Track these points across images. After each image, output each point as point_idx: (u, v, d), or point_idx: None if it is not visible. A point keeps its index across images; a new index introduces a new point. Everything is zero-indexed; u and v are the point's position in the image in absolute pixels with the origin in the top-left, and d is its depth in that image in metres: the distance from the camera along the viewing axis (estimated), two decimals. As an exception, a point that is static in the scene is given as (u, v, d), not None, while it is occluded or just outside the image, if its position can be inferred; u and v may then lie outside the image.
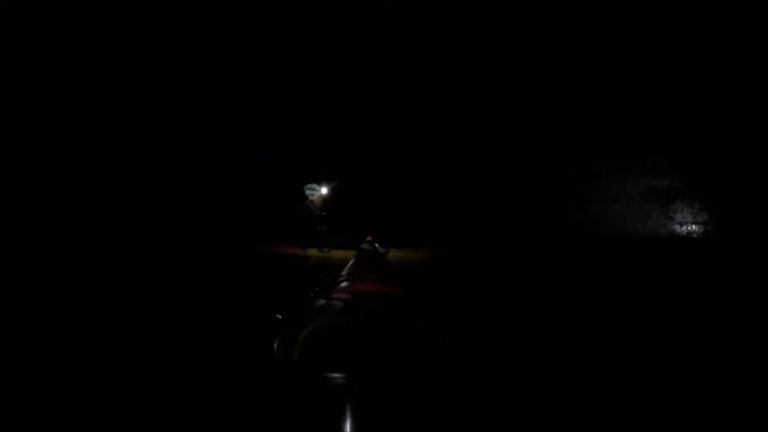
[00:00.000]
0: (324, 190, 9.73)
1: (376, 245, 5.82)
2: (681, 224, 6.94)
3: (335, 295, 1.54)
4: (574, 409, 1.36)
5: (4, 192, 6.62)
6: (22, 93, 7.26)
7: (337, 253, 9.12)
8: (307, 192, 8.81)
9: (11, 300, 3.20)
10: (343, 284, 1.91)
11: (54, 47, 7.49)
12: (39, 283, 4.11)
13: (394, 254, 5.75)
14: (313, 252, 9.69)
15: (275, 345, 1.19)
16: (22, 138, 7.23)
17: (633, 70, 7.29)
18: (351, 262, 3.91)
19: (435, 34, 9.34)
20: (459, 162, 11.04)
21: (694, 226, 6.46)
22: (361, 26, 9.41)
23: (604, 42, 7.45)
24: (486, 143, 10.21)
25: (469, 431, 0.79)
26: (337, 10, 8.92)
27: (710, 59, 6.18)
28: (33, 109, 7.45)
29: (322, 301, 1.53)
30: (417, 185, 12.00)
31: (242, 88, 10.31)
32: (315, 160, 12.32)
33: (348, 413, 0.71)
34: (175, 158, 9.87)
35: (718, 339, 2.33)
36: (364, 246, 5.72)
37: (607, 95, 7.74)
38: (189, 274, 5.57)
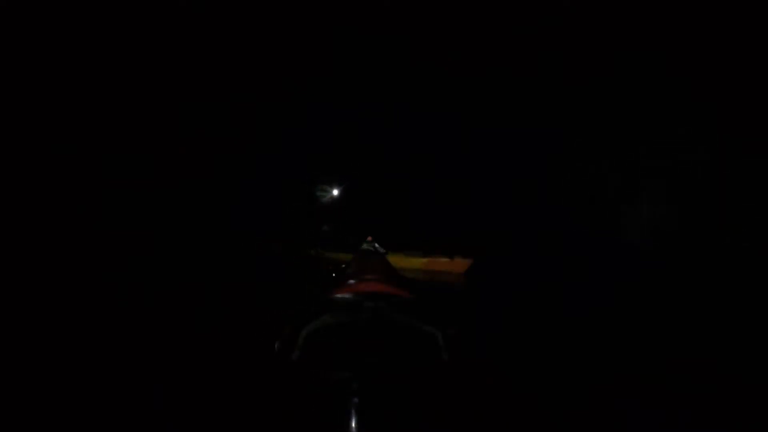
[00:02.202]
0: (335, 192, 9.75)
1: (376, 245, 5.80)
2: (684, 225, 6.95)
3: (336, 295, 1.54)
4: (574, 409, 1.36)
5: (4, 192, 6.63)
6: (22, 93, 7.27)
7: (329, 254, 9.19)
8: (319, 194, 8.87)
9: (12, 300, 3.20)
10: (344, 284, 1.91)
11: (54, 47, 7.50)
12: (39, 283, 4.11)
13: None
14: (308, 251, 9.77)
15: (275, 345, 1.19)
16: (22, 138, 7.24)
17: (633, 70, 7.30)
18: (351, 263, 3.91)
19: (435, 34, 9.36)
20: (459, 162, 11.06)
21: (697, 226, 6.47)
22: (361, 26, 9.44)
23: (604, 42, 7.46)
24: (486, 143, 10.23)
25: (469, 431, 0.79)
26: (337, 10, 8.94)
27: (712, 59, 6.19)
28: (33, 109, 7.46)
29: (322, 301, 1.53)
30: (417, 185, 12.03)
31: (242, 88, 10.33)
32: (315, 160, 12.34)
33: (348, 413, 0.71)
34: (175, 158, 9.88)
35: (718, 339, 2.33)
36: (364, 246, 5.71)
37: (607, 95, 7.76)
38: (189, 274, 5.58)
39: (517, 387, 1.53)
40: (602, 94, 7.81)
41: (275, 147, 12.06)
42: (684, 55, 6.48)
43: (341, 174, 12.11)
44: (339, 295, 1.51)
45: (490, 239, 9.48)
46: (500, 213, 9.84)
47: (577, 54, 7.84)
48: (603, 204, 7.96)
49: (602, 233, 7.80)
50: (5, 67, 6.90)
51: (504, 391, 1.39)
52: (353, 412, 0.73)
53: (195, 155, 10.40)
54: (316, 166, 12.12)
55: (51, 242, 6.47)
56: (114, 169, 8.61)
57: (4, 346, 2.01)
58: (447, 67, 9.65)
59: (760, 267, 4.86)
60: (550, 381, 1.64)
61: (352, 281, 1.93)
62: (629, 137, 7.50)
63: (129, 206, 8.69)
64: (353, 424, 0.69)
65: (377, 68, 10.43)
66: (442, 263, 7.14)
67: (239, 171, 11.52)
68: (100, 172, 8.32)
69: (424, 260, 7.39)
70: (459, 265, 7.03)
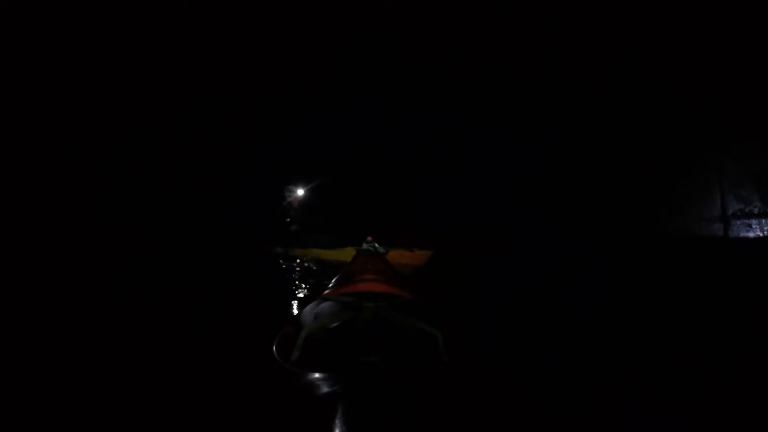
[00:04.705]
0: (300, 192, 10.02)
1: (376, 245, 5.81)
2: (686, 225, 6.93)
3: (335, 296, 1.53)
4: (574, 409, 1.36)
5: (4, 192, 6.63)
6: (22, 93, 7.27)
7: (301, 251, 9.29)
8: (286, 194, 9.12)
9: (12, 300, 3.20)
10: (344, 285, 1.90)
11: (54, 47, 7.50)
12: (39, 283, 4.11)
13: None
14: (280, 249, 9.90)
15: (275, 346, 1.19)
16: (23, 138, 7.24)
17: (633, 70, 7.30)
18: (350, 263, 3.91)
19: (435, 34, 9.36)
20: (459, 162, 11.06)
21: (701, 225, 6.44)
22: (361, 26, 9.44)
23: (604, 42, 7.46)
24: (486, 143, 10.23)
25: (469, 431, 0.79)
26: (337, 10, 8.94)
27: (711, 59, 6.19)
28: (33, 109, 7.46)
29: (322, 302, 1.53)
30: (417, 185, 12.02)
31: (242, 88, 10.34)
32: (315, 160, 12.37)
33: (348, 413, 0.71)
34: (175, 158, 9.89)
35: (718, 339, 2.33)
36: (364, 246, 5.71)
37: (606, 95, 7.76)
38: (189, 274, 5.58)
39: (517, 387, 1.53)
40: (602, 94, 7.80)
41: (275, 147, 12.06)
42: (684, 55, 6.47)
43: (341, 174, 12.13)
44: (338, 296, 1.51)
45: (490, 239, 9.48)
46: (500, 213, 9.84)
47: (577, 54, 7.83)
48: (603, 204, 7.95)
49: (602, 233, 7.80)
50: (5, 67, 6.89)
51: (504, 391, 1.39)
52: (353, 412, 0.72)
53: (195, 155, 10.40)
54: (315, 166, 12.15)
55: (51, 242, 6.46)
56: (114, 169, 8.60)
57: (4, 346, 2.01)
58: (447, 67, 9.64)
59: (760, 267, 4.86)
60: (550, 381, 1.63)
61: (351, 281, 1.93)
62: (629, 137, 7.50)
63: (129, 206, 8.68)
64: (353, 425, 0.69)
65: (377, 68, 10.42)
66: (401, 255, 7.02)
67: (239, 171, 11.53)
68: (100, 172, 8.32)
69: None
70: (419, 257, 6.99)
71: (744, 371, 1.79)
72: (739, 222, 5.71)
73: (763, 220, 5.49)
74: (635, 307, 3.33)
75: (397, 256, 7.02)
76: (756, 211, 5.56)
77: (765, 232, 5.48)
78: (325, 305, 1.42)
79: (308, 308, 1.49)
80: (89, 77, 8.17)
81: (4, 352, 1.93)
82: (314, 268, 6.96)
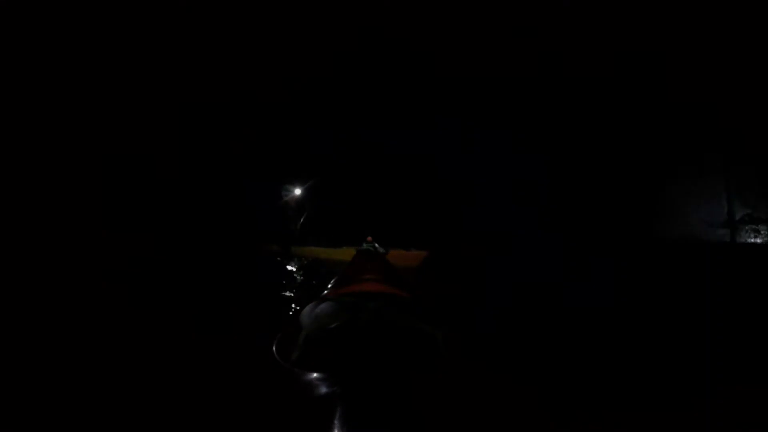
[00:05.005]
0: (297, 191, 10.07)
1: (376, 245, 5.81)
2: (690, 229, 6.90)
3: (336, 296, 1.53)
4: (574, 409, 1.36)
5: (4, 192, 6.63)
6: (22, 93, 7.27)
7: (300, 251, 9.39)
8: (282, 193, 9.22)
9: (12, 300, 3.20)
10: (344, 285, 1.90)
11: (54, 47, 7.50)
12: (40, 283, 4.11)
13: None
14: (279, 248, 9.98)
15: (274, 346, 1.19)
16: (23, 138, 7.25)
17: (633, 70, 7.30)
18: (350, 263, 3.91)
19: (435, 35, 9.36)
20: (459, 162, 11.06)
21: (707, 230, 6.40)
22: (361, 27, 9.44)
23: (606, 43, 7.46)
24: (486, 144, 10.23)
25: (469, 431, 0.79)
26: (337, 11, 8.95)
27: (711, 60, 6.19)
28: (33, 110, 7.46)
29: (322, 302, 1.53)
30: (417, 185, 12.03)
31: (242, 88, 10.35)
32: (315, 160, 12.36)
33: (348, 413, 0.71)
34: (176, 158, 9.89)
35: (718, 339, 2.33)
36: (365, 246, 5.72)
37: (610, 96, 7.75)
38: (189, 274, 5.59)
39: (517, 387, 1.53)
40: (602, 94, 7.80)
41: (275, 147, 12.06)
42: (685, 55, 6.47)
43: (341, 174, 12.13)
44: (339, 296, 1.51)
45: (490, 239, 9.48)
46: (500, 213, 9.84)
47: (577, 54, 7.82)
48: (604, 204, 7.95)
49: (602, 233, 7.79)
50: (5, 67, 6.89)
51: (504, 391, 1.39)
52: (353, 412, 0.72)
53: (195, 155, 10.40)
54: (315, 166, 12.16)
55: (51, 242, 6.46)
56: (114, 169, 8.60)
57: (4, 347, 2.01)
58: (447, 67, 9.64)
59: (761, 267, 4.86)
60: (550, 381, 1.64)
61: (351, 281, 1.93)
62: (629, 137, 7.50)
63: (129, 206, 8.68)
64: (352, 425, 0.69)
65: (377, 69, 10.42)
66: (397, 255, 6.98)
67: (239, 171, 11.53)
68: (100, 172, 8.32)
69: None
70: (414, 257, 7.03)
71: (745, 373, 1.79)
72: (747, 227, 5.66)
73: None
74: (636, 309, 3.33)
75: (393, 256, 7.01)
76: (764, 216, 5.50)
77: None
78: (325, 305, 1.42)
79: (308, 308, 1.49)
80: (90, 78, 8.17)
81: (4, 353, 1.93)
82: (297, 267, 7.04)
